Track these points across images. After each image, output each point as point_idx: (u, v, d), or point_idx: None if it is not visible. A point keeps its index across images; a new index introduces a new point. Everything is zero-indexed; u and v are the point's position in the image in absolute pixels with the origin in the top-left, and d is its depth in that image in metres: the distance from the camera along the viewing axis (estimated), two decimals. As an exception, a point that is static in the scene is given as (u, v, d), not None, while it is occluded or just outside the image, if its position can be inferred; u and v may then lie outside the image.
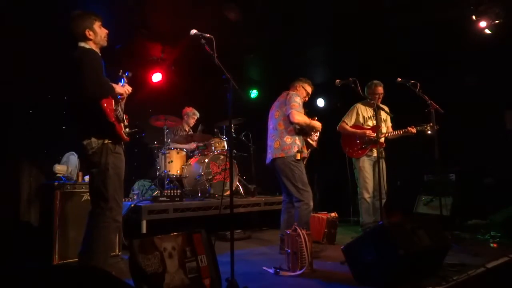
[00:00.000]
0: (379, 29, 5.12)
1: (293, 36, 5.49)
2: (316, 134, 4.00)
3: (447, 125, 4.34)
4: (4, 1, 3.94)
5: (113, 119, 2.59)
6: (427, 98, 4.05)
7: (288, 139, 3.75)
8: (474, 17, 4.87)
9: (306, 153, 3.86)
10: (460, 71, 5.41)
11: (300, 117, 3.72)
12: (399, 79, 4.06)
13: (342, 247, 2.85)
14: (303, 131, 3.86)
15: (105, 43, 2.82)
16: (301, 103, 3.81)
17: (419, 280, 2.61)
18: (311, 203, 3.68)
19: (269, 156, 3.88)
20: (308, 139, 3.93)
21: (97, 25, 2.75)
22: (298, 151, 3.70)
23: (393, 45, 5.45)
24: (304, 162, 3.89)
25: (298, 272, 2.95)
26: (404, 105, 4.58)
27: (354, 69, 4.47)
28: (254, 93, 7.57)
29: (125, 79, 2.91)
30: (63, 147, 3.95)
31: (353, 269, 2.76)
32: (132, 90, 2.88)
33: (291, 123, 3.74)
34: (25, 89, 4.32)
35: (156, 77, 6.17)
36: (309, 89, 4.05)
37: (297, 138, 3.77)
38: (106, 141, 2.60)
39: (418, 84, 4.05)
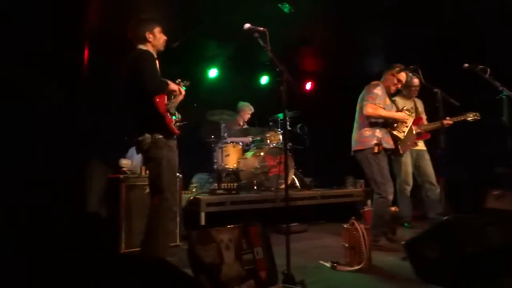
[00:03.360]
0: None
1: (347, 25, 5.31)
2: (404, 125, 3.84)
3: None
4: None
5: (164, 111, 2.72)
6: (499, 84, 3.73)
7: (366, 132, 3.69)
8: None
9: (390, 145, 3.73)
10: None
11: (372, 109, 3.61)
12: (466, 65, 3.78)
13: (402, 242, 2.73)
14: (386, 123, 3.75)
15: (162, 48, 3.01)
16: (380, 94, 3.68)
17: (489, 281, 2.43)
18: (390, 197, 3.59)
19: (352, 148, 3.86)
20: (394, 131, 3.79)
21: (157, 30, 2.95)
22: (376, 144, 3.60)
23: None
24: (399, 154, 3.91)
25: (356, 267, 2.88)
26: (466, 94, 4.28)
27: (414, 56, 4.24)
28: (309, 86, 7.48)
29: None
30: (129, 142, 4.18)
31: (415, 266, 2.64)
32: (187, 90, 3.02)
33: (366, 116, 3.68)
34: (92, 87, 4.63)
35: (212, 72, 6.31)
36: (401, 75, 3.82)
37: (377, 130, 3.68)
38: (158, 136, 2.73)
39: (488, 69, 3.74)
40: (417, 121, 4.22)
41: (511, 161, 3.93)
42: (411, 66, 3.78)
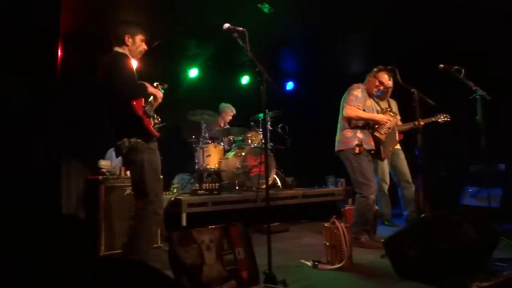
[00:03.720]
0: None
1: (329, 26, 5.36)
2: (385, 127, 3.87)
3: (495, 112, 4.11)
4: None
5: (141, 114, 2.67)
6: (473, 84, 3.84)
7: (348, 133, 3.76)
8: None
9: (371, 146, 3.78)
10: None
11: (351, 111, 3.68)
12: (441, 65, 3.88)
13: (382, 240, 2.78)
14: (367, 125, 3.80)
15: (138, 56, 2.94)
16: (359, 96, 3.74)
17: (465, 275, 2.49)
18: (371, 197, 3.65)
19: (335, 148, 3.92)
20: (375, 133, 3.83)
21: (139, 37, 2.89)
22: (357, 145, 3.67)
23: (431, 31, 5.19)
24: (381, 158, 3.99)
25: (337, 265, 2.91)
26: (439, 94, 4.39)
27: (393, 57, 4.31)
28: (289, 86, 7.53)
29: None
30: (108, 143, 4.11)
31: (394, 263, 2.69)
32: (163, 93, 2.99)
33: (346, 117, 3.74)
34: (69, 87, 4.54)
35: (193, 72, 6.27)
36: (383, 77, 3.87)
37: (358, 131, 3.74)
38: (137, 140, 2.68)
39: (463, 70, 3.84)
40: None
41: (485, 159, 4.05)
42: (389, 67, 3.84)
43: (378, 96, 4.61)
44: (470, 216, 2.74)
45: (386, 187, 4.72)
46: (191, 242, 2.16)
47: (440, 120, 4.37)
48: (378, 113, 3.95)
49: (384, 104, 4.62)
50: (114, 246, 3.45)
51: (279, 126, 5.87)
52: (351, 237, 3.06)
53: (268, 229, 2.50)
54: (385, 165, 4.67)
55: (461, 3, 4.49)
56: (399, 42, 5.53)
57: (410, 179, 4.62)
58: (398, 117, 4.68)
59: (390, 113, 3.98)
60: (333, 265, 2.94)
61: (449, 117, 4.36)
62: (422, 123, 4.26)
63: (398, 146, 4.68)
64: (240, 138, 5.54)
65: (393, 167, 4.71)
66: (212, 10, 4.61)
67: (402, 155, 4.69)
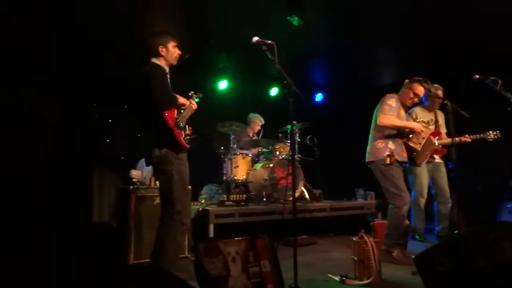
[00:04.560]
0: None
1: (359, 37, 5.32)
2: (420, 136, 3.82)
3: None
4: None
5: (172, 125, 2.75)
6: (511, 96, 3.68)
7: (379, 143, 3.71)
8: None
9: (403, 157, 3.73)
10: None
11: (386, 119, 3.63)
12: (477, 76, 3.75)
13: (413, 256, 2.68)
14: (401, 135, 3.74)
15: (175, 62, 3.05)
16: (394, 105, 3.69)
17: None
18: (404, 208, 3.56)
19: (366, 160, 3.88)
20: (410, 143, 3.79)
21: (171, 44, 3.00)
22: (388, 155, 3.61)
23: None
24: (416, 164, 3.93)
25: (365, 281, 2.83)
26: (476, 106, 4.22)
27: (423, 68, 4.23)
28: (319, 97, 7.49)
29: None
30: (140, 153, 4.22)
31: (426, 281, 2.58)
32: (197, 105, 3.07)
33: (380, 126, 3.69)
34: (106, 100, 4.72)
35: (222, 84, 6.37)
36: (418, 88, 3.78)
37: (390, 142, 3.69)
38: (167, 150, 2.76)
39: (499, 81, 3.70)
40: (435, 134, 4.18)
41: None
42: (420, 78, 3.76)
43: (426, 106, 4.56)
44: (509, 233, 2.60)
45: (422, 201, 4.51)
46: (217, 253, 2.17)
47: (489, 138, 4.10)
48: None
49: (430, 116, 4.52)
50: (143, 255, 3.50)
51: (308, 137, 5.83)
52: (380, 252, 2.98)
53: (294, 242, 2.47)
54: (424, 178, 4.48)
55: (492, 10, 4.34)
56: (431, 52, 5.41)
57: (448, 195, 4.46)
58: (444, 130, 4.54)
59: (422, 123, 3.89)
60: (361, 280, 2.86)
61: (499, 134, 4.08)
62: (468, 139, 4.12)
63: (439, 160, 4.54)
64: (268, 150, 5.54)
65: (433, 180, 4.55)
66: (242, 23, 4.67)
67: (443, 169, 4.53)
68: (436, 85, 4.44)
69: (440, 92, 4.42)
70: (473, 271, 2.29)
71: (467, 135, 4.15)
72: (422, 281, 2.59)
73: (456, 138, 4.13)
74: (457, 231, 2.67)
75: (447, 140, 4.24)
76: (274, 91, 7.11)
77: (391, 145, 3.68)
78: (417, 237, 4.57)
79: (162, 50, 2.95)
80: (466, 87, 4.16)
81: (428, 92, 4.35)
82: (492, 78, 3.73)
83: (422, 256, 2.63)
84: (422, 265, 2.62)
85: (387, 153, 3.63)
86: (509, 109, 3.70)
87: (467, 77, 3.77)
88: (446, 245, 2.58)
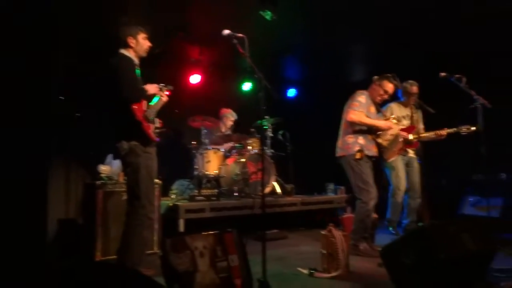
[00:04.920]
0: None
1: (331, 34, 5.36)
2: (387, 133, 3.89)
3: (498, 121, 4.07)
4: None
5: (141, 118, 2.70)
6: (474, 93, 3.81)
7: (349, 139, 3.76)
8: None
9: (373, 152, 3.80)
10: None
11: (355, 116, 3.68)
12: (442, 74, 3.86)
13: (379, 249, 2.75)
14: (370, 131, 3.80)
15: (144, 54, 2.97)
16: (363, 102, 3.75)
17: (463, 286, 2.46)
18: (371, 203, 3.63)
19: (336, 154, 3.92)
20: (378, 139, 3.86)
21: (141, 36, 2.93)
22: (358, 150, 3.67)
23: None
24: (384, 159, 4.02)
25: (333, 274, 2.88)
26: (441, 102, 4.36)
27: (394, 66, 4.31)
28: (291, 92, 7.53)
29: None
30: (109, 148, 4.11)
31: (391, 272, 2.65)
32: (169, 95, 3.03)
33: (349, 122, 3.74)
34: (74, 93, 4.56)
35: (195, 78, 6.29)
36: (387, 85, 3.83)
37: (360, 137, 3.74)
38: (135, 143, 2.71)
39: (464, 78, 3.82)
40: (409, 129, 4.27)
41: (485, 168, 4.01)
42: (389, 75, 3.84)
43: (402, 102, 4.63)
44: (469, 226, 2.70)
45: (400, 194, 4.53)
46: (184, 248, 2.14)
47: (462, 131, 4.14)
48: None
49: (406, 111, 4.60)
50: (110, 252, 3.43)
51: (280, 133, 5.85)
52: (348, 245, 3.03)
53: (263, 236, 2.48)
54: (400, 171, 4.52)
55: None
56: (403, 51, 5.53)
57: (418, 190, 4.54)
58: (421, 126, 4.63)
59: (393, 120, 3.97)
60: (329, 273, 2.91)
61: (471, 129, 4.06)
62: (444, 133, 4.22)
63: (412, 155, 4.61)
64: (240, 145, 5.53)
65: (407, 175, 4.62)
66: (215, 16, 4.62)
67: (416, 164, 4.62)
68: (411, 81, 4.52)
69: (415, 88, 4.49)
70: (434, 263, 2.36)
71: (445, 129, 4.21)
72: (388, 272, 2.66)
73: (432, 132, 4.24)
74: (420, 225, 2.76)
75: (424, 134, 4.35)
76: (247, 86, 7.08)
77: (361, 140, 3.74)
78: (390, 228, 4.68)
79: (131, 41, 2.88)
80: (432, 84, 4.28)
81: (404, 88, 4.45)
82: (457, 75, 3.85)
83: (388, 249, 2.70)
84: (387, 258, 2.68)
85: (357, 148, 3.69)
86: (471, 106, 3.85)
87: (434, 74, 3.89)
88: (411, 238, 2.66)
